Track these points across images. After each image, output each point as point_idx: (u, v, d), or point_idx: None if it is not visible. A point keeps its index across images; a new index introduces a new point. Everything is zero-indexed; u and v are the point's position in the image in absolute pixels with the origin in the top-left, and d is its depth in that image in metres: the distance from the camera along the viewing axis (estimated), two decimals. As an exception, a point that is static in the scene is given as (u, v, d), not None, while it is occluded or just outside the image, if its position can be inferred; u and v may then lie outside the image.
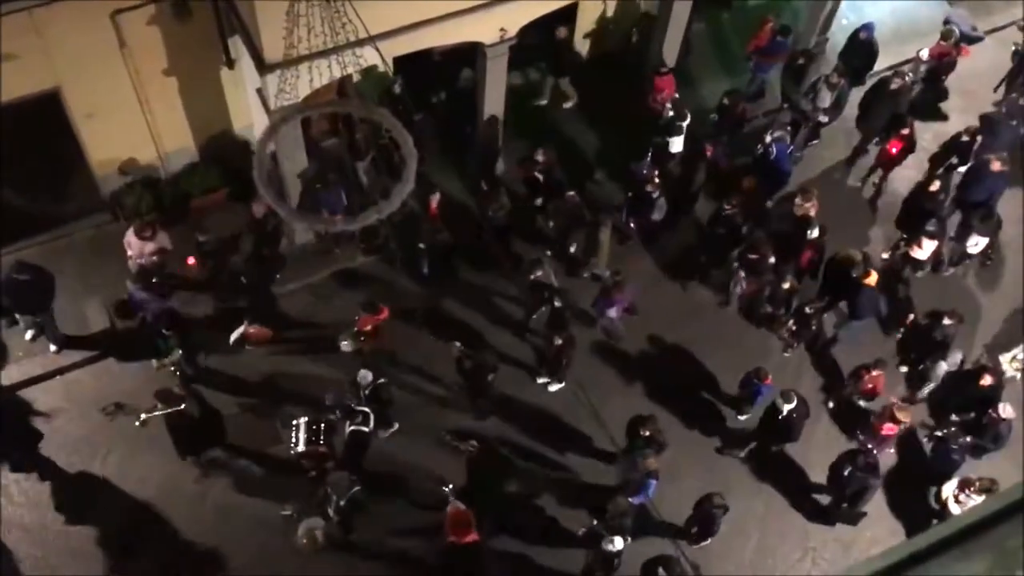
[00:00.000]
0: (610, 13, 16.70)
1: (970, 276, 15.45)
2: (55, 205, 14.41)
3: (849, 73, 16.03)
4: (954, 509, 12.22)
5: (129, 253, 13.44)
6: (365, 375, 12.21)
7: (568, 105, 16.70)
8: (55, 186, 14.17)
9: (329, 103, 12.81)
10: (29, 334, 13.48)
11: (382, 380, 12.38)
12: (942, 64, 16.35)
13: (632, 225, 15.02)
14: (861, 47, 16.27)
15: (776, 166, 14.96)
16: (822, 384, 14.33)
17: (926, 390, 13.77)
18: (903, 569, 2.62)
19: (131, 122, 13.78)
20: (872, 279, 13.50)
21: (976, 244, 14.56)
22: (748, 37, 16.84)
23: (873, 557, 2.67)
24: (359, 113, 12.55)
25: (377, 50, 10.38)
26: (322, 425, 12.05)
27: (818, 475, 13.23)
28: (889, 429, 12.72)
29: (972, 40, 16.62)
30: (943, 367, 13.40)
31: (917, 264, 14.52)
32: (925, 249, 14.17)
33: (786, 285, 13.66)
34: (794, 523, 13.16)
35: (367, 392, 12.20)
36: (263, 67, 12.02)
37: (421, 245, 14.28)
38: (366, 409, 12.00)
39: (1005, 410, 12.50)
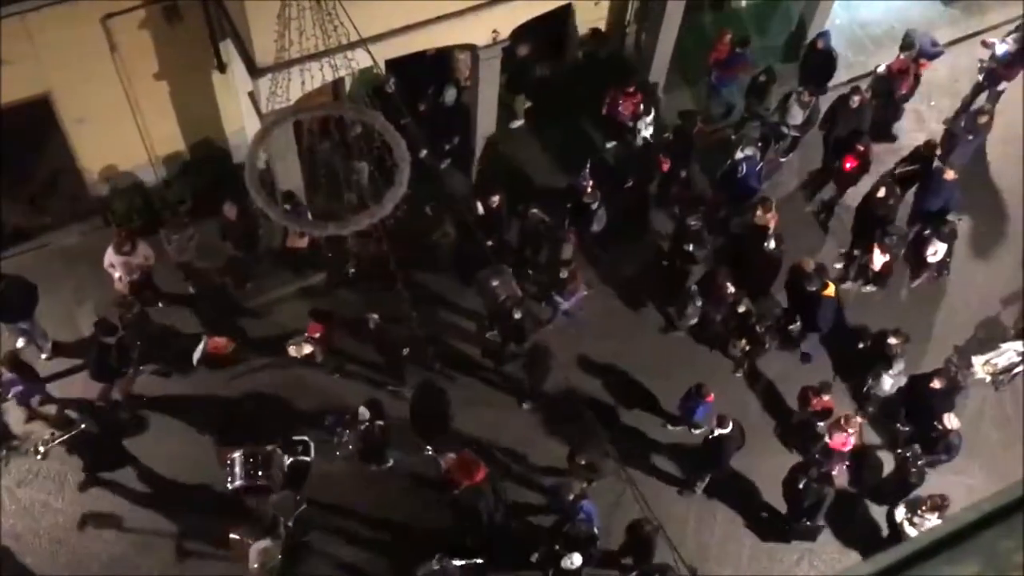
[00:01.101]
0: (604, 14, 16.65)
1: (946, 284, 15.18)
2: (46, 211, 14.36)
3: (809, 83, 15.74)
4: (910, 531, 12.04)
5: (115, 275, 13.27)
6: (364, 412, 12.02)
7: (515, 125, 16.34)
8: (46, 191, 14.13)
9: (322, 106, 12.77)
10: (20, 342, 13.40)
11: (380, 422, 12.15)
12: (898, 78, 16.01)
13: (572, 237, 14.46)
14: (818, 56, 15.87)
15: (744, 183, 14.69)
16: (768, 405, 14.09)
17: (872, 406, 13.67)
18: (895, 572, 2.58)
19: (122, 127, 13.73)
20: (831, 290, 13.33)
21: (935, 252, 14.35)
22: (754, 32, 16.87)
23: (865, 561, 2.63)
24: (352, 116, 12.51)
25: (369, 53, 10.31)
26: (259, 457, 11.70)
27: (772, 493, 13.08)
28: (840, 443, 12.54)
29: (932, 56, 16.26)
30: (887, 381, 13.20)
31: (875, 276, 14.39)
32: (878, 260, 14.02)
33: (741, 309, 13.33)
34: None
35: (362, 429, 12.04)
36: (255, 71, 11.99)
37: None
38: (305, 439, 11.97)
39: (950, 421, 12.33)
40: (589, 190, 14.17)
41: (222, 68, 13.45)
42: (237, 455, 11.75)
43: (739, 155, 14.83)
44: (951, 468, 13.51)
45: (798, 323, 13.84)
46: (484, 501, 11.68)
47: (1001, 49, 16.11)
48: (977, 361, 13.94)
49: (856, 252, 14.87)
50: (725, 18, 18.02)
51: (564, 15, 15.83)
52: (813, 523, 12.52)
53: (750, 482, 13.32)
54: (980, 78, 16.67)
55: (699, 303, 13.72)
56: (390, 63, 13.20)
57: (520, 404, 13.80)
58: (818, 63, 15.96)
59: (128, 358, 12.55)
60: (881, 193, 14.25)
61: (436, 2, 12.45)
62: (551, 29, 15.79)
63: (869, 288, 14.73)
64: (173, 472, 12.76)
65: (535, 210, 14.22)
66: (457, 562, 11.46)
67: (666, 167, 14.98)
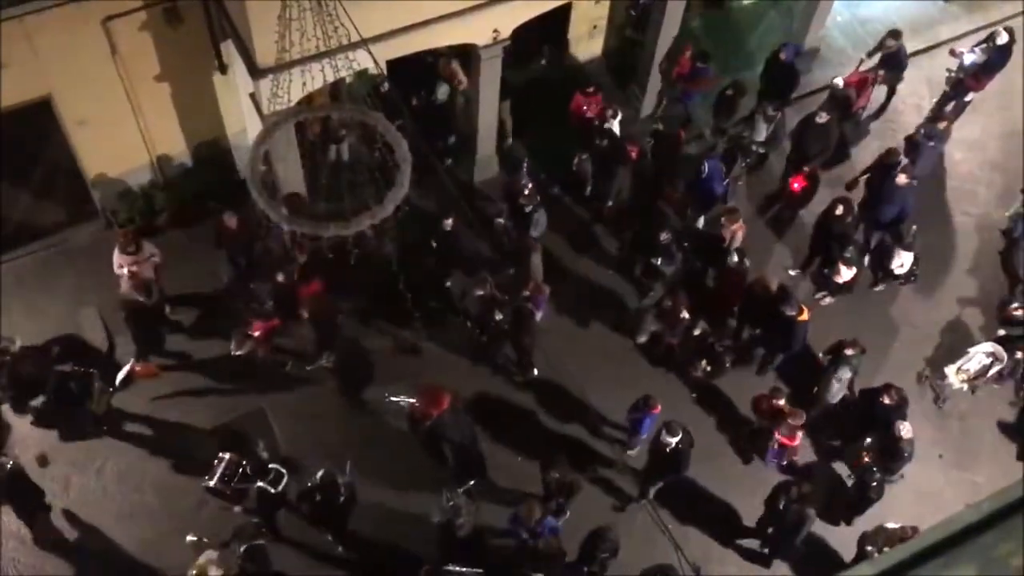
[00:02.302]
0: (604, 13, 16.64)
1: (905, 291, 15.00)
2: (48, 213, 14.35)
3: (770, 97, 15.62)
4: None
5: (124, 274, 13.25)
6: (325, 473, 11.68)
7: (507, 144, 16.09)
8: (48, 194, 14.11)
9: (323, 107, 12.79)
10: None
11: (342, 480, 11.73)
12: (857, 93, 15.87)
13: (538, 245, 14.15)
14: (781, 69, 15.54)
15: (706, 185, 14.53)
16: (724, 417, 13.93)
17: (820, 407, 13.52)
18: (896, 573, 2.58)
19: (124, 129, 13.74)
20: (805, 315, 13.13)
21: (902, 264, 14.26)
22: (743, 37, 16.75)
23: (860, 564, 2.64)
24: (353, 116, 12.51)
25: (370, 53, 10.32)
26: (243, 469, 11.60)
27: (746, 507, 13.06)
28: (788, 439, 12.50)
29: (893, 66, 16.01)
30: (835, 386, 13.10)
31: (838, 288, 14.25)
32: (845, 274, 13.88)
33: (697, 332, 13.13)
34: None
35: (318, 483, 11.65)
36: (256, 72, 11.98)
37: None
38: (280, 468, 11.68)
39: (904, 429, 12.24)
40: (527, 192, 13.93)
41: (223, 69, 13.45)
42: (228, 456, 11.73)
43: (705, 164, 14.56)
44: (955, 464, 13.56)
45: (759, 348, 13.79)
46: (457, 427, 11.98)
47: (969, 59, 15.90)
48: (950, 371, 13.83)
49: (815, 268, 14.70)
50: (723, 18, 18.02)
51: (564, 15, 15.82)
52: (794, 542, 12.28)
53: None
54: (947, 88, 16.50)
55: (653, 326, 13.52)
56: (388, 63, 13.20)
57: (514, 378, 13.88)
58: (779, 76, 15.63)
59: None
60: (839, 211, 14.02)
61: (437, 2, 12.43)
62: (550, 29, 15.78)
63: (828, 300, 14.56)
64: (174, 470, 12.80)
65: (500, 219, 14.11)
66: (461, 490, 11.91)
67: (635, 154, 14.84)
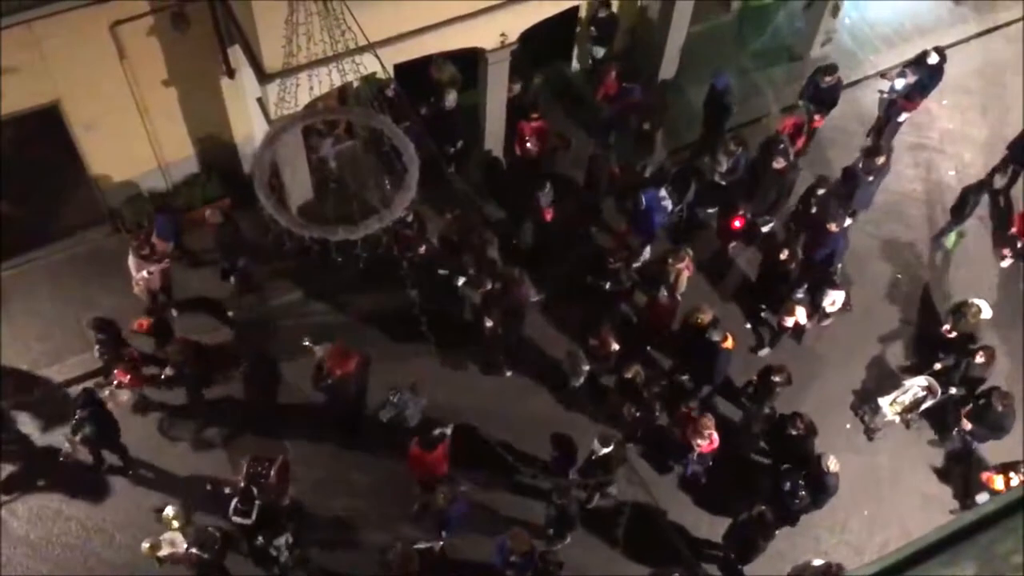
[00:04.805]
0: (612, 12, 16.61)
1: (838, 326, 14.63)
2: (55, 218, 14.37)
3: (707, 126, 15.51)
4: None
5: (135, 276, 13.32)
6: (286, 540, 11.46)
7: None
8: (55, 199, 14.13)
9: (330, 111, 12.81)
10: None
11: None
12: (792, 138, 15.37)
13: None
14: (715, 98, 15.37)
15: (644, 216, 14.30)
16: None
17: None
18: (896, 572, 2.56)
19: (131, 133, 13.75)
20: (730, 343, 12.97)
21: (833, 302, 14.05)
22: (750, 40, 16.63)
23: (861, 566, 2.62)
24: (360, 120, 12.53)
25: (377, 57, 10.34)
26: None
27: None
28: (706, 446, 12.36)
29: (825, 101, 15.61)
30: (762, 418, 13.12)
31: (794, 332, 14.14)
32: (800, 315, 13.70)
33: (628, 375, 12.87)
34: (805, 529, 12.98)
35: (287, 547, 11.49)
36: (263, 76, 12.00)
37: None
38: (253, 506, 11.30)
39: (830, 463, 12.06)
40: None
41: (231, 74, 13.46)
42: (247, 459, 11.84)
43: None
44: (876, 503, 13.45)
45: (687, 377, 13.65)
46: (353, 388, 12.29)
47: (900, 82, 15.68)
48: (884, 402, 13.70)
49: (764, 315, 14.53)
50: (728, 22, 17.99)
51: (571, 18, 15.81)
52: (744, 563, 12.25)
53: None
54: (879, 112, 16.32)
55: (585, 365, 13.40)
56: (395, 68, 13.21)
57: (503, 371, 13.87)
58: (715, 104, 15.42)
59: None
60: (784, 255, 13.84)
61: (444, 6, 12.44)
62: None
63: (765, 351, 14.42)
64: (184, 474, 12.79)
65: (452, 214, 14.00)
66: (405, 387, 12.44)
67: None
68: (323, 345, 12.28)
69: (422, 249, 13.52)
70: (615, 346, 12.99)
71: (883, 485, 13.56)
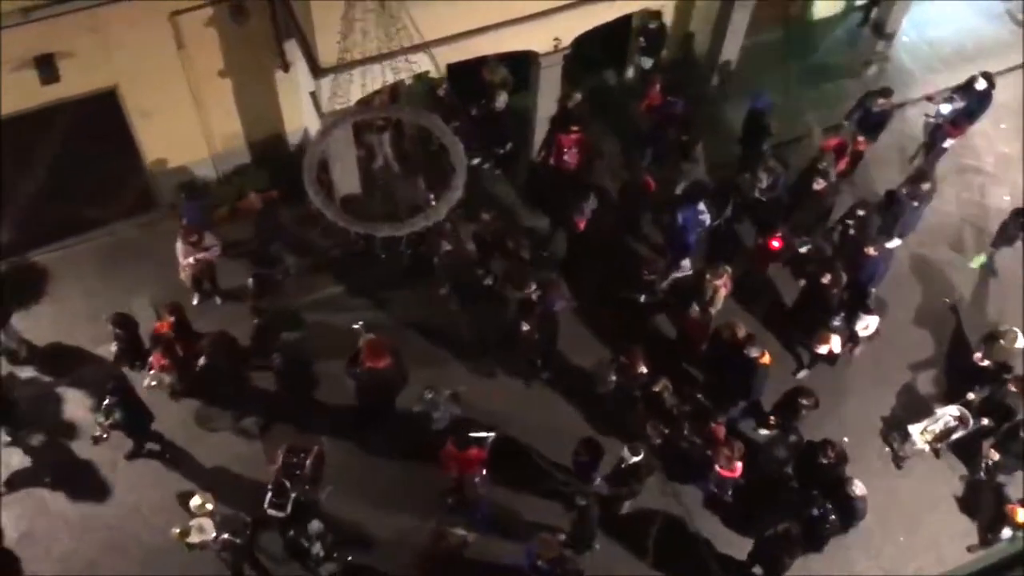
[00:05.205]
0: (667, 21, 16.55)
1: (869, 350, 14.17)
2: (109, 202, 14.58)
3: (748, 145, 15.27)
4: None
5: (181, 262, 13.51)
6: (318, 526, 11.47)
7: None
8: (109, 183, 14.33)
9: (381, 108, 12.88)
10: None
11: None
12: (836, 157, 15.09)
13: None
14: (753, 118, 15.18)
15: (681, 232, 14.19)
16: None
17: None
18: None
19: (185, 122, 13.96)
20: (767, 358, 12.78)
21: (867, 327, 13.72)
22: (799, 56, 16.41)
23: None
24: (410, 119, 12.60)
25: (431, 56, 10.39)
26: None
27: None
28: (728, 472, 12.20)
29: (873, 126, 15.27)
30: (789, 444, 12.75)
31: (827, 359, 13.75)
32: (834, 343, 13.40)
33: (656, 388, 12.70)
34: (838, 551, 12.78)
35: (319, 536, 11.45)
36: (317, 71, 12.10)
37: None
38: (288, 499, 11.32)
39: (857, 487, 11.89)
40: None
41: (286, 67, 13.61)
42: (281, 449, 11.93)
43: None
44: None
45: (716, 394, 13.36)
46: (378, 386, 12.30)
47: (946, 108, 15.34)
48: (914, 430, 13.37)
49: (800, 337, 14.14)
50: (794, 31, 17.87)
51: (626, 23, 15.76)
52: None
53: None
54: (924, 137, 15.95)
55: (612, 377, 13.14)
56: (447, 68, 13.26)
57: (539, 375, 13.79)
58: (752, 125, 15.26)
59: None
60: (826, 279, 13.48)
61: (499, 8, 12.46)
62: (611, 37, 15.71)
63: (803, 374, 14.13)
64: (220, 464, 12.92)
65: (488, 216, 14.00)
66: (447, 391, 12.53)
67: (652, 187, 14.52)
68: (366, 335, 12.35)
69: (448, 246, 13.57)
70: (643, 368, 12.81)
71: (916, 512, 13.28)
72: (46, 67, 12.12)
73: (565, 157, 14.73)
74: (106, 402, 12.04)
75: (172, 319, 12.66)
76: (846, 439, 13.16)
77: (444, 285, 14.12)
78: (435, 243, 13.46)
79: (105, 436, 12.22)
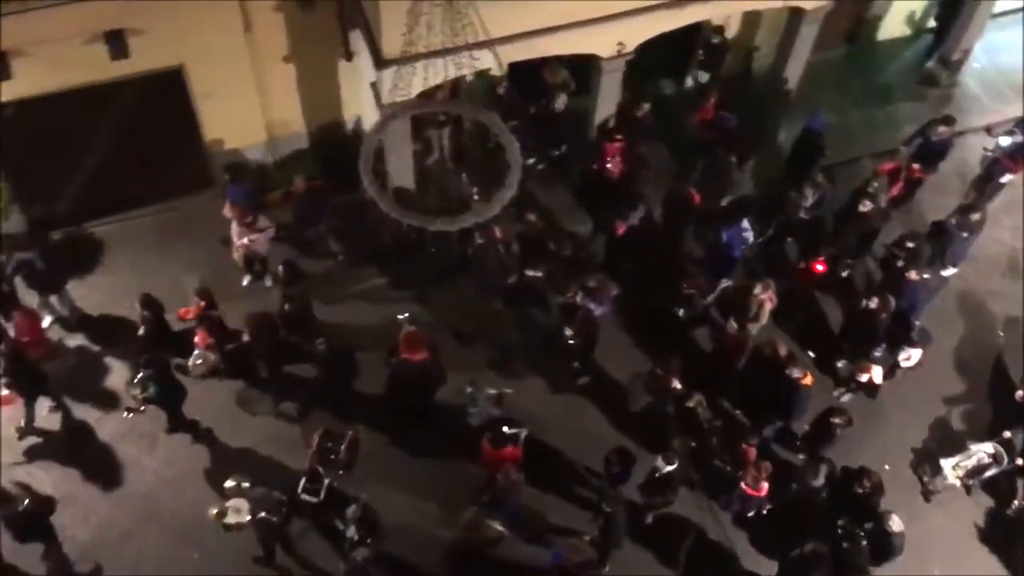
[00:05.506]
0: (732, 35, 16.42)
1: (905, 380, 13.89)
2: (168, 179, 14.78)
3: (794, 165, 14.98)
4: None
5: (235, 243, 13.71)
6: (355, 510, 11.46)
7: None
8: (169, 160, 14.54)
9: (441, 102, 12.91)
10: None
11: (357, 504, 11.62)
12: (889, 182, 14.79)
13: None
14: (807, 138, 14.93)
15: (724, 250, 13.96)
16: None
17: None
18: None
19: (247, 105, 14.14)
20: (809, 379, 12.55)
21: (909, 358, 13.47)
22: (860, 77, 16.12)
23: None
24: (468, 115, 12.62)
25: (494, 54, 10.39)
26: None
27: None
28: (754, 491, 12.04)
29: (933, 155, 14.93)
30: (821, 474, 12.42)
31: (865, 388, 13.49)
32: (876, 374, 13.15)
33: (690, 404, 12.53)
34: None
35: (355, 522, 11.51)
36: (380, 62, 12.16)
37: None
38: (321, 484, 11.58)
39: (894, 523, 11.64)
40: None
41: (349, 56, 13.71)
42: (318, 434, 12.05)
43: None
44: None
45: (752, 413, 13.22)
46: (412, 379, 12.26)
47: (1006, 141, 14.87)
48: (947, 465, 13.10)
49: (841, 363, 13.83)
50: (865, 49, 17.68)
51: (690, 34, 15.65)
52: None
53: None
54: (981, 169, 15.41)
55: (646, 397, 13.05)
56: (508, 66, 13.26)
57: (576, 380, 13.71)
58: (807, 145, 14.96)
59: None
60: (874, 304, 13.17)
61: (565, 10, 12.44)
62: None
63: (847, 396, 13.80)
64: (258, 445, 13.03)
65: (532, 216, 13.96)
66: (490, 390, 12.62)
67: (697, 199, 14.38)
68: (408, 327, 12.41)
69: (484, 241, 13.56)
70: (677, 384, 12.67)
71: (945, 547, 12.97)
72: (116, 43, 12.30)
73: (608, 164, 14.70)
74: (139, 376, 12.20)
75: (202, 303, 12.81)
76: (887, 467, 13.03)
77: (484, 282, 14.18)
78: (485, 242, 13.46)
79: (142, 409, 12.42)
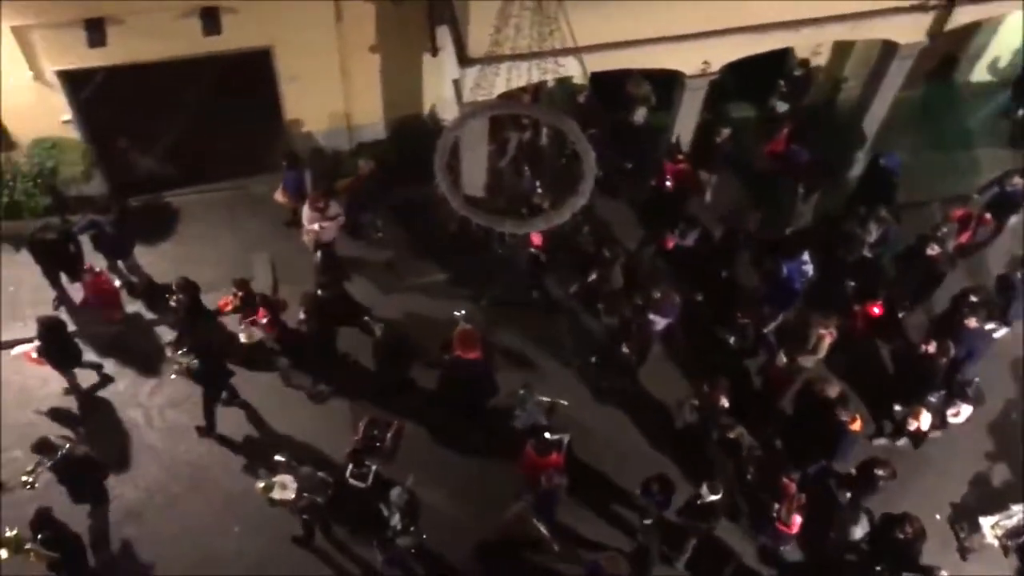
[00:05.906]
0: (822, 63, 16.21)
1: (950, 432, 13.46)
2: (245, 157, 15.01)
3: (863, 201, 14.54)
4: None
5: (306, 227, 13.77)
6: (400, 495, 11.28)
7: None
8: (249, 139, 14.78)
9: (521, 105, 12.90)
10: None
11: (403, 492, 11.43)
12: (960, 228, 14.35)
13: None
14: (877, 176, 14.65)
15: (784, 284, 13.68)
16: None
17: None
18: None
19: (330, 91, 14.35)
20: (857, 425, 12.25)
21: (958, 414, 13.01)
22: (964, 114, 15.78)
23: None
24: (547, 120, 12.58)
25: (580, 61, 10.36)
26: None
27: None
28: (786, 527, 11.83)
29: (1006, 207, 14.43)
30: (858, 530, 12.15)
31: (913, 436, 13.05)
32: (924, 421, 12.76)
33: (732, 435, 12.33)
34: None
35: (401, 508, 11.35)
36: (465, 60, 12.22)
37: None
38: (369, 468, 11.62)
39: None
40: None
41: (434, 52, 13.80)
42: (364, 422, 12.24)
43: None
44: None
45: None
46: (465, 374, 12.32)
47: None
48: (985, 523, 12.71)
49: (897, 407, 13.37)
50: (945, 91, 17.30)
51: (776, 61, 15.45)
52: None
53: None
54: None
55: (690, 417, 12.87)
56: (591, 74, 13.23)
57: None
58: (876, 181, 14.67)
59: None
60: (931, 348, 12.83)
61: (655, 24, 12.39)
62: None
63: (902, 442, 13.41)
64: (307, 426, 13.17)
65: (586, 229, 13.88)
66: (543, 398, 12.64)
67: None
68: (463, 324, 12.46)
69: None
70: (725, 403, 12.54)
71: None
72: (210, 19, 12.57)
73: (667, 183, 14.60)
74: (183, 349, 12.37)
75: (240, 294, 12.87)
76: (938, 516, 12.78)
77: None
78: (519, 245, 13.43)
79: (181, 372, 12.40)
